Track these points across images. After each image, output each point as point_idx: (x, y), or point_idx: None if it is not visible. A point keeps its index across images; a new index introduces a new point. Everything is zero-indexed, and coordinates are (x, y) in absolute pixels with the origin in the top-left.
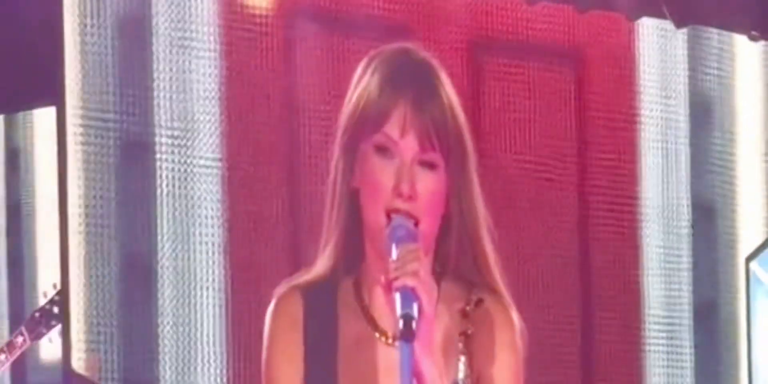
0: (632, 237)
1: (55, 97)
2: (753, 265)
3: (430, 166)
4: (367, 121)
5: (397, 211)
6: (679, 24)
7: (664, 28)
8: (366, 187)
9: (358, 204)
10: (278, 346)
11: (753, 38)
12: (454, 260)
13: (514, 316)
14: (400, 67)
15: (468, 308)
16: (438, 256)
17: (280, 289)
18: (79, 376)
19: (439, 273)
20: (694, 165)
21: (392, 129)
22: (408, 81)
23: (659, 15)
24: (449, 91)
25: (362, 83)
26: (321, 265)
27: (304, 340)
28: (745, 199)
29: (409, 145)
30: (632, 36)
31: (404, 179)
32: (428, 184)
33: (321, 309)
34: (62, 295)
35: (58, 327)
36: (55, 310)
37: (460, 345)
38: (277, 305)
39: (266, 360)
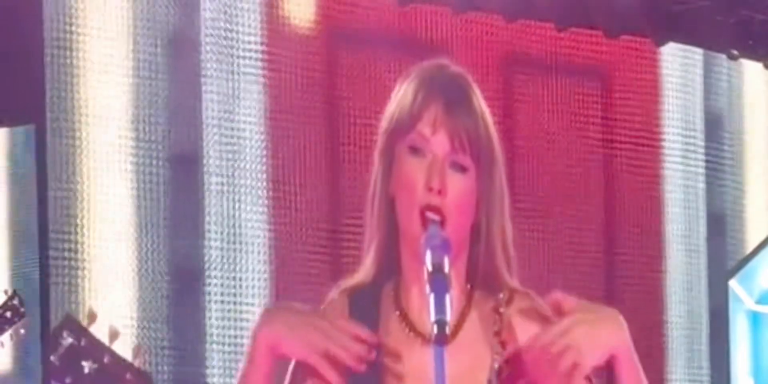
0: (656, 240)
1: (35, 116)
2: (732, 283)
3: (461, 168)
4: (401, 123)
5: (428, 207)
6: (659, 42)
7: (684, 49)
8: (400, 190)
9: (395, 211)
10: None
11: (732, 57)
12: (484, 268)
13: (545, 306)
14: (433, 78)
15: (501, 307)
16: (469, 261)
17: (331, 293)
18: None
19: (471, 279)
20: (709, 178)
21: (424, 127)
22: (440, 88)
23: (639, 33)
24: (480, 102)
25: (398, 95)
26: (364, 270)
27: None
28: (753, 210)
29: (440, 143)
30: (655, 59)
31: (435, 174)
32: (458, 186)
33: (365, 312)
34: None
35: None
36: (8, 314)
37: (496, 345)
38: (325, 308)
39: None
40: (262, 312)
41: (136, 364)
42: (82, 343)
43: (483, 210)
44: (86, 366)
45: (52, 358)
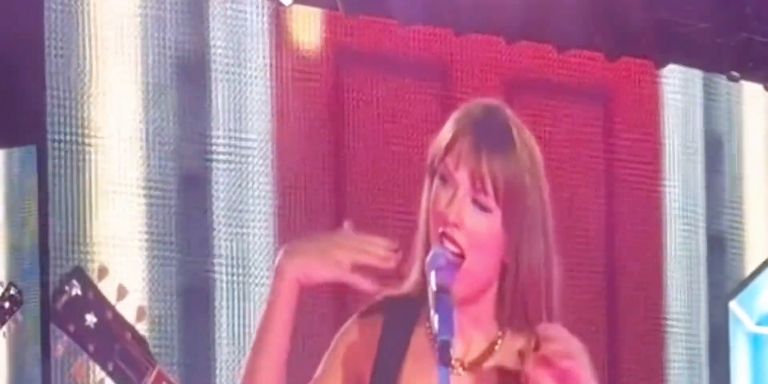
0: (656, 262)
1: (36, 136)
2: (732, 304)
3: (483, 208)
4: (437, 153)
5: (445, 236)
6: (660, 64)
7: (684, 71)
8: (431, 216)
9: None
10: (347, 346)
11: (732, 78)
12: (511, 309)
13: (575, 346)
14: (474, 116)
15: (526, 351)
16: (498, 301)
17: (377, 297)
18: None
19: (501, 319)
20: (708, 199)
21: (450, 160)
22: (475, 128)
23: (639, 55)
24: (520, 146)
25: (445, 126)
26: (409, 283)
27: (377, 350)
28: (753, 232)
29: (462, 179)
30: (656, 81)
31: (453, 208)
32: (479, 224)
33: (398, 324)
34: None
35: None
36: (6, 305)
37: None
38: (364, 311)
39: (331, 352)
40: (283, 249)
41: (138, 326)
42: (89, 295)
43: (512, 253)
44: (88, 319)
45: (56, 304)
